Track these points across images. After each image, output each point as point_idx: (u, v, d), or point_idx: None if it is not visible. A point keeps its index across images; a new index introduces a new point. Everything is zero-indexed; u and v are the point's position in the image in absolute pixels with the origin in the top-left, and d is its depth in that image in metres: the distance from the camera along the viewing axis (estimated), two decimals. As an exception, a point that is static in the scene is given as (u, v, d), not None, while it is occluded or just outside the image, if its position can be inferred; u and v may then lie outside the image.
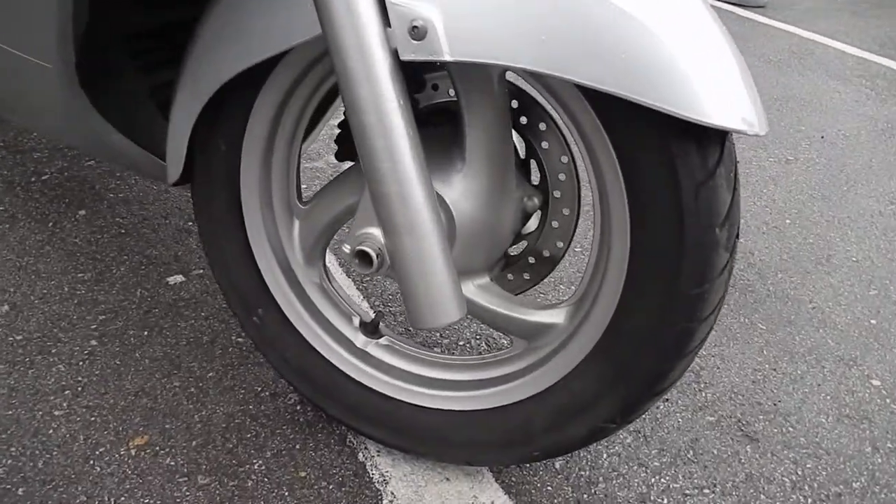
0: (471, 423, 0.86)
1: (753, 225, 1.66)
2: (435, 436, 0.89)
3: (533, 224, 0.90)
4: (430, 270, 0.68)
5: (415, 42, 0.62)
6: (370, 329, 0.93)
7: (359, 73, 0.63)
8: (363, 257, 0.72)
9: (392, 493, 0.90)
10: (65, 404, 0.98)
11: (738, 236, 0.72)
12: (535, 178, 0.87)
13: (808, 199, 1.80)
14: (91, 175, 1.50)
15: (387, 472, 0.93)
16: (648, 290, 0.71)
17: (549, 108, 0.76)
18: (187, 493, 0.88)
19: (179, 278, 1.24)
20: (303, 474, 0.92)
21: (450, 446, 0.88)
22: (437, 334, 1.18)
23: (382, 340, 0.93)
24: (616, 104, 0.63)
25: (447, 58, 0.62)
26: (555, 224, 0.87)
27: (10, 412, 0.96)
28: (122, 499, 0.86)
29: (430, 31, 0.62)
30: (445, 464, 0.93)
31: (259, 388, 1.04)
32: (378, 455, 0.95)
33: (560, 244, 0.87)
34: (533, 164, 0.86)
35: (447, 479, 0.93)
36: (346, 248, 0.73)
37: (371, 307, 1.23)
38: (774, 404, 1.12)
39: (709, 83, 0.62)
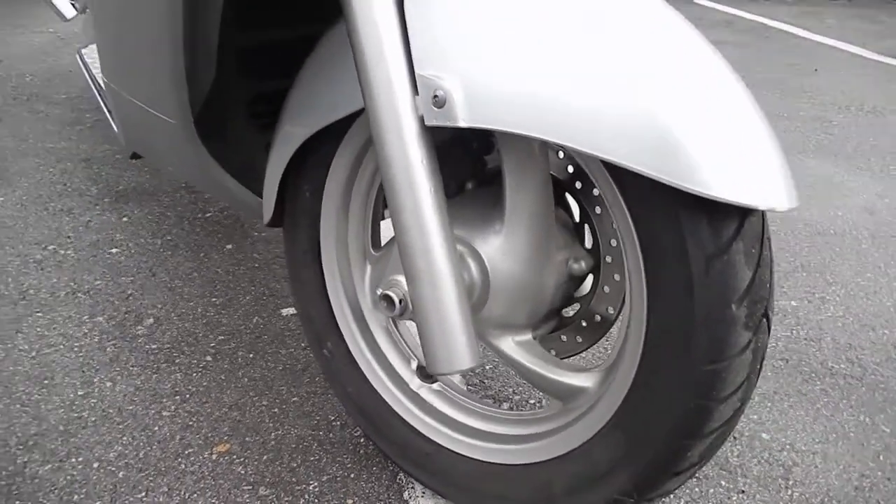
0: (500, 476, 0.87)
1: (906, 315, 1.48)
2: (468, 484, 0.91)
3: (586, 287, 0.90)
4: (446, 319, 0.72)
5: (436, 109, 0.69)
6: (426, 373, 0.99)
7: (389, 134, 0.71)
8: (388, 300, 0.78)
9: (426, 535, 0.93)
10: (173, 407, 1.14)
11: (766, 316, 0.68)
12: (590, 242, 0.88)
13: None
14: (243, 216, 1.73)
15: (427, 513, 0.96)
16: (662, 363, 0.70)
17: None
18: (248, 500, 0.98)
19: (292, 311, 1.39)
20: (350, 502, 0.98)
21: (481, 497, 0.90)
22: (510, 389, 1.20)
23: (435, 385, 0.98)
24: (630, 174, 0.64)
25: (462, 124, 0.68)
26: (606, 289, 0.87)
27: (131, 407, 1.14)
28: (195, 495, 0.98)
29: (448, 101, 0.68)
30: (484, 516, 0.94)
31: (332, 418, 1.13)
32: (423, 496, 0.99)
33: (611, 309, 0.87)
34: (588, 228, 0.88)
35: (482, 532, 0.94)
36: (378, 291, 0.80)
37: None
38: (876, 517, 0.99)
39: (721, 155, 0.61)
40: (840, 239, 1.80)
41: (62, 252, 1.58)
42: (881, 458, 1.10)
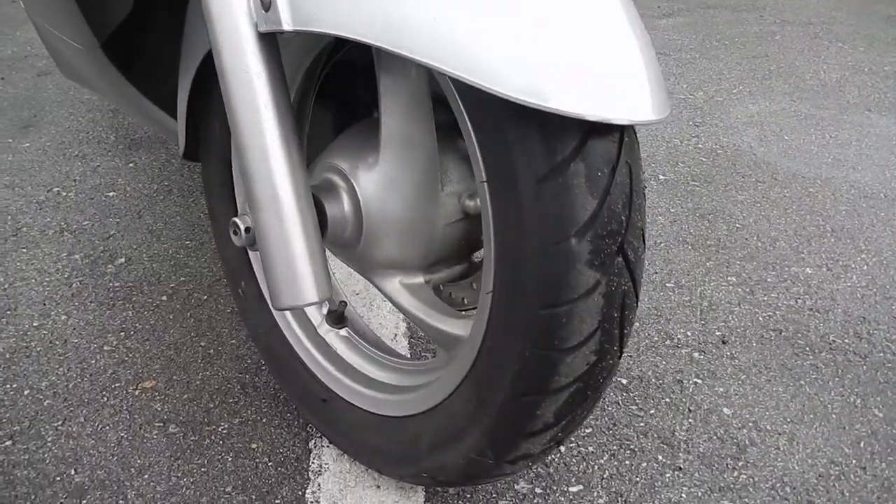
0: (377, 428, 0.81)
1: (945, 289, 1.27)
2: (352, 435, 0.85)
3: (492, 229, 0.81)
4: (289, 249, 0.66)
5: (265, 14, 0.62)
6: (335, 318, 0.93)
7: (223, 42, 0.64)
8: (234, 228, 0.72)
9: (319, 484, 0.89)
10: (115, 342, 1.15)
11: (622, 254, 0.57)
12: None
13: None
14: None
15: (326, 464, 0.91)
16: (503, 308, 0.60)
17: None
18: (155, 436, 0.97)
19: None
20: (253, 446, 0.95)
21: (360, 449, 0.84)
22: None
23: (342, 332, 0.92)
24: (472, 89, 0.54)
25: (286, 28, 0.61)
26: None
27: (76, 340, 1.15)
28: (107, 428, 0.98)
29: (273, 2, 0.61)
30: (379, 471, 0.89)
31: (262, 363, 1.10)
32: (326, 447, 0.94)
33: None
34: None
35: (377, 487, 0.88)
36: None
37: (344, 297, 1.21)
38: (834, 510, 0.85)
39: (562, 64, 0.51)
40: (890, 204, 1.57)
41: (63, 194, 1.63)
42: (862, 444, 0.94)
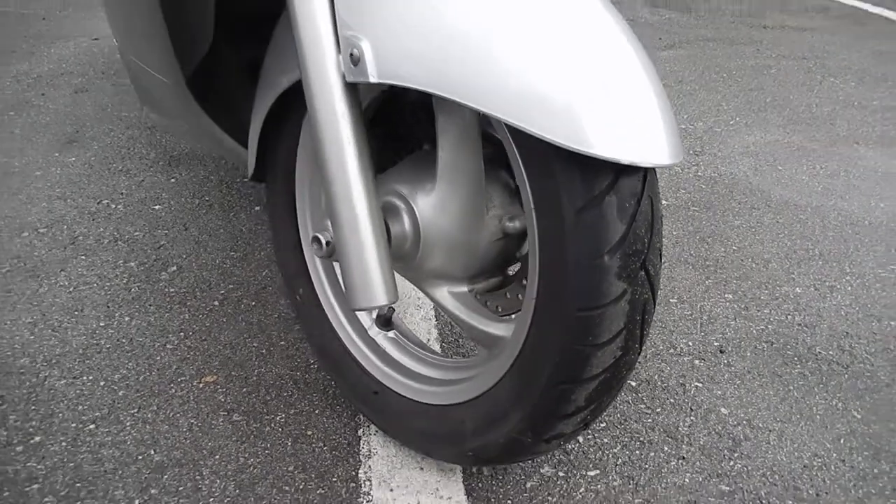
0: (425, 414, 0.94)
1: (920, 309, 1.41)
2: (402, 421, 0.98)
3: (526, 247, 0.95)
4: (363, 260, 0.80)
5: (353, 67, 0.76)
6: (383, 322, 1.07)
7: (316, 89, 0.78)
8: (317, 242, 0.86)
9: (369, 466, 1.01)
10: (176, 342, 1.28)
11: (644, 269, 0.71)
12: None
13: None
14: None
15: (374, 449, 1.04)
16: (547, 311, 0.74)
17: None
18: (222, 423, 1.09)
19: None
20: (309, 433, 1.08)
21: (410, 433, 0.97)
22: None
23: (390, 333, 1.06)
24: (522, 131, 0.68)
25: (372, 80, 0.75)
26: (541, 248, 0.91)
27: (141, 339, 1.28)
28: (178, 416, 1.11)
29: (361, 58, 0.75)
30: (425, 455, 1.02)
31: (312, 361, 1.23)
32: (374, 434, 1.07)
33: (545, 268, 0.91)
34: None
35: (421, 468, 1.01)
36: (310, 234, 0.88)
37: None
38: (817, 495, 0.98)
39: (599, 114, 0.65)
40: (873, 230, 1.72)
41: (113, 206, 1.76)
42: (842, 441, 1.08)
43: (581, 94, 0.65)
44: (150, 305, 1.38)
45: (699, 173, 2.03)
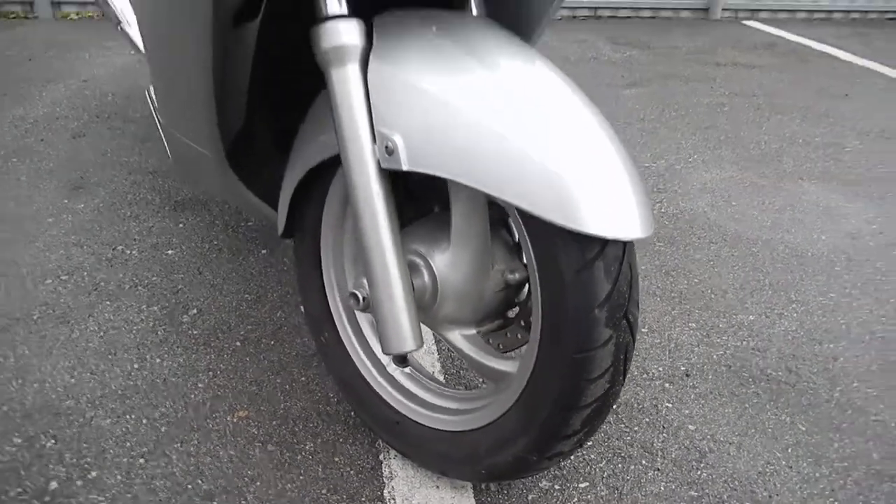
0: (444, 439, 1.11)
1: (856, 332, 1.63)
2: (422, 446, 1.14)
3: (524, 294, 1.13)
4: (394, 312, 0.97)
5: (388, 156, 0.93)
6: (399, 359, 1.23)
7: (355, 173, 0.95)
8: (354, 297, 1.03)
9: (392, 486, 1.17)
10: (206, 380, 1.42)
11: (626, 318, 0.89)
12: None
13: (940, 315, 1.69)
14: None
15: (395, 471, 1.20)
16: (549, 352, 0.92)
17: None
18: (258, 453, 1.24)
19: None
20: (336, 459, 1.23)
21: (429, 455, 1.14)
22: (480, 379, 1.43)
23: (406, 369, 1.22)
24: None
25: (405, 168, 0.92)
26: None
27: (174, 379, 1.42)
28: (217, 448, 1.25)
29: (395, 151, 0.92)
30: (440, 475, 1.18)
31: (331, 395, 1.38)
32: (393, 458, 1.23)
33: (542, 313, 1.09)
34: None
35: (437, 487, 1.17)
36: (348, 290, 1.05)
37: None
38: (770, 497, 1.17)
39: (588, 199, 0.83)
40: (815, 261, 1.95)
41: (128, 252, 1.89)
42: (789, 450, 1.27)
43: (575, 184, 0.83)
44: (178, 347, 1.52)
45: (663, 210, 2.24)
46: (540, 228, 0.89)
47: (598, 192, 0.84)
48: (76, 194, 2.22)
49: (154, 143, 2.63)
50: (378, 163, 0.95)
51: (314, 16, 0.95)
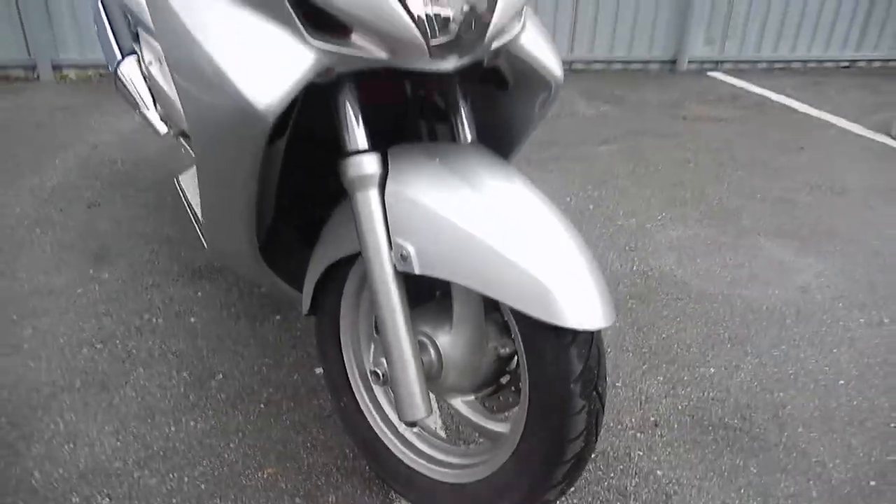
0: (447, 490, 1.32)
1: (802, 381, 1.87)
2: (430, 495, 1.35)
3: (514, 364, 1.35)
4: (408, 386, 1.18)
5: (402, 262, 1.16)
6: (409, 421, 1.44)
7: (375, 273, 1.18)
8: (375, 374, 1.25)
9: (405, 532, 1.38)
10: (237, 440, 1.62)
11: (596, 391, 1.11)
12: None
13: (875, 364, 1.94)
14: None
15: (407, 518, 1.41)
16: (535, 418, 1.14)
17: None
18: (287, 506, 1.44)
19: (321, 370, 1.86)
20: (355, 509, 1.44)
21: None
22: (475, 435, 1.64)
23: (415, 429, 1.44)
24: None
25: (417, 272, 1.14)
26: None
27: (208, 440, 1.61)
28: (253, 501, 1.45)
29: (408, 258, 1.14)
30: (445, 520, 1.38)
31: (348, 451, 1.59)
32: (405, 506, 1.43)
33: (529, 380, 1.31)
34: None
35: (443, 531, 1.37)
36: (370, 368, 1.26)
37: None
38: (724, 531, 1.39)
39: (560, 297, 1.06)
40: (769, 315, 2.19)
41: (154, 320, 2.09)
42: (742, 490, 1.50)
43: (552, 285, 1.06)
44: (209, 410, 1.71)
45: (634, 268, 2.49)
46: (525, 319, 1.12)
47: (570, 291, 1.07)
48: (100, 264, 2.42)
49: (167, 212, 2.84)
50: (394, 267, 1.17)
51: (339, 147, 1.18)
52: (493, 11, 1.06)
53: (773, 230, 2.84)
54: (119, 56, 2.49)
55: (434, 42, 1.03)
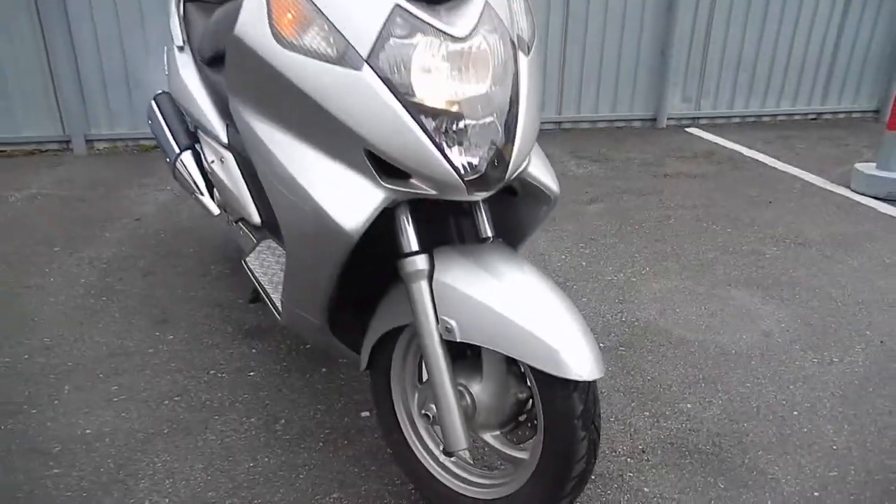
0: (481, 505, 1.70)
1: (763, 413, 2.27)
2: (469, 512, 1.74)
3: (529, 405, 1.75)
4: (452, 425, 1.58)
5: (447, 332, 1.56)
6: (447, 452, 1.83)
7: (426, 343, 1.58)
8: (425, 416, 1.64)
9: (448, 541, 1.75)
10: (304, 474, 1.99)
11: (594, 424, 1.51)
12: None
13: (825, 397, 2.34)
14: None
15: (448, 530, 1.78)
16: (549, 447, 1.53)
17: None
18: (352, 523, 1.82)
19: (367, 413, 2.25)
20: (407, 524, 1.81)
21: (473, 518, 1.73)
22: (498, 462, 2.03)
23: (453, 459, 1.83)
24: None
25: (458, 340, 1.55)
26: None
27: (281, 473, 1.99)
28: (324, 521, 1.82)
29: (452, 330, 1.55)
30: (479, 531, 1.76)
31: (397, 479, 1.96)
32: (446, 521, 1.81)
33: (541, 417, 1.71)
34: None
35: (478, 539, 1.75)
36: (422, 411, 1.66)
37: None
38: (698, 533, 1.77)
39: (560, 354, 1.46)
40: (737, 357, 2.60)
41: (219, 375, 2.48)
42: (712, 502, 1.88)
43: (558, 348, 1.47)
44: (278, 449, 2.09)
45: (623, 319, 2.90)
46: (539, 373, 1.52)
47: (571, 352, 1.47)
48: (163, 327, 2.81)
49: (213, 278, 3.24)
50: (440, 336, 1.58)
51: (397, 251, 1.60)
52: (510, 159, 1.49)
53: (742, 281, 3.26)
54: (177, 149, 2.93)
55: (468, 178, 1.45)
